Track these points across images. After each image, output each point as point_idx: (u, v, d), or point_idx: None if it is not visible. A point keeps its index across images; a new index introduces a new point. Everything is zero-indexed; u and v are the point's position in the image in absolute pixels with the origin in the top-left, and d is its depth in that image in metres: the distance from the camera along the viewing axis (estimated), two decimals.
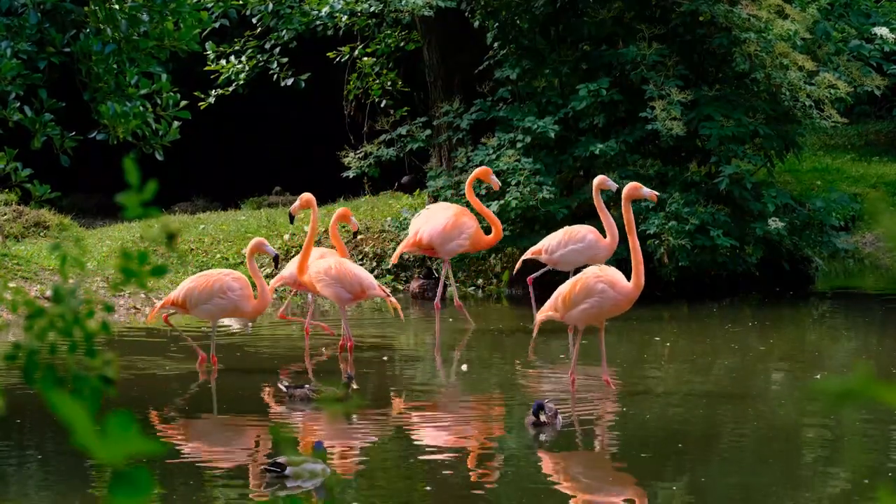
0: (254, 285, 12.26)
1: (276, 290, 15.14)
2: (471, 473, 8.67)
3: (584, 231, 14.26)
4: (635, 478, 8.59)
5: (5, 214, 19.57)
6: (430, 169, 17.86)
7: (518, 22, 17.14)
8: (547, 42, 17.09)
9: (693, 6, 16.27)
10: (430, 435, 9.93)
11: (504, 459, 9.10)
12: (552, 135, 16.26)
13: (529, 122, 16.38)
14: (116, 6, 9.24)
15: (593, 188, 13.16)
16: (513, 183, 16.27)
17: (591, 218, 16.49)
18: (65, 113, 9.58)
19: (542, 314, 11.07)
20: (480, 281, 17.55)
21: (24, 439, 9.77)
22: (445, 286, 15.13)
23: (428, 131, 17.80)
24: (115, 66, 9.15)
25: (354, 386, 10.71)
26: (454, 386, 11.97)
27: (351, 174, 17.92)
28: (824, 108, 16.47)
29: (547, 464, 8.99)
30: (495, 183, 14.81)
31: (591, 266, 11.13)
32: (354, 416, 10.30)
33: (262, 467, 8.50)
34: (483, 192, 16.49)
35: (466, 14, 17.33)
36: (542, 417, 9.47)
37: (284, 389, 10.72)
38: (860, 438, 9.65)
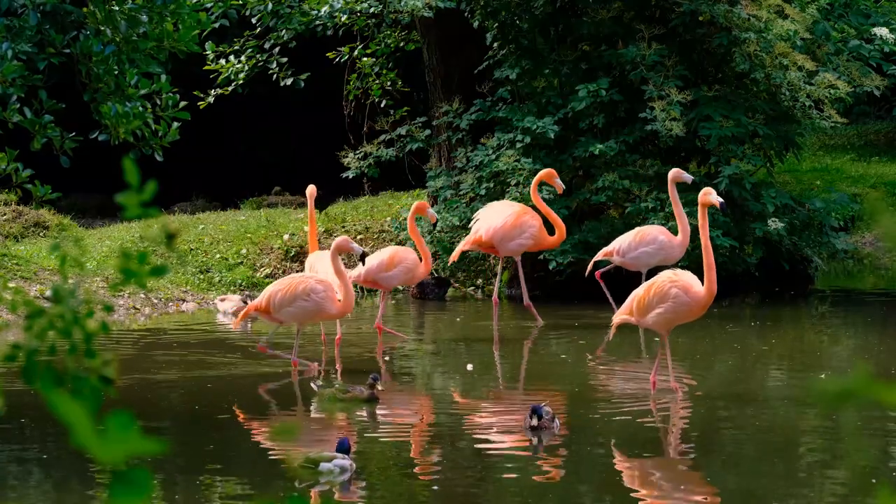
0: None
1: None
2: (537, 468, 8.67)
3: (655, 232, 14.22)
4: (635, 478, 8.59)
5: (5, 214, 19.58)
6: (430, 169, 17.86)
7: (518, 22, 17.14)
8: (547, 42, 17.10)
9: (693, 6, 16.27)
10: (496, 428, 9.94)
11: (570, 455, 9.10)
12: (552, 135, 16.27)
13: (529, 123, 16.38)
14: (116, 7, 9.24)
15: (669, 181, 13.15)
16: (512, 183, 16.27)
17: (590, 218, 16.51)
18: (65, 114, 9.59)
19: (618, 317, 10.91)
20: (480, 281, 17.56)
21: (25, 439, 9.77)
22: (514, 284, 15.15)
23: (427, 131, 17.80)
24: (115, 66, 9.15)
25: (380, 387, 10.62)
26: (531, 382, 11.93)
27: (350, 174, 17.91)
28: (824, 108, 16.48)
29: (619, 465, 9.00)
30: (559, 186, 14.73)
31: (667, 270, 10.94)
32: (362, 411, 10.30)
33: (298, 464, 8.56)
34: (472, 194, 16.47)
35: (466, 14, 17.33)
36: (534, 421, 9.42)
37: (316, 389, 10.69)
38: (860, 438, 9.66)
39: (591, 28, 16.64)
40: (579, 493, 8.32)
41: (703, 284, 10.56)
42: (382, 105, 19.37)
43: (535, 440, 9.40)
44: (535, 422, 9.47)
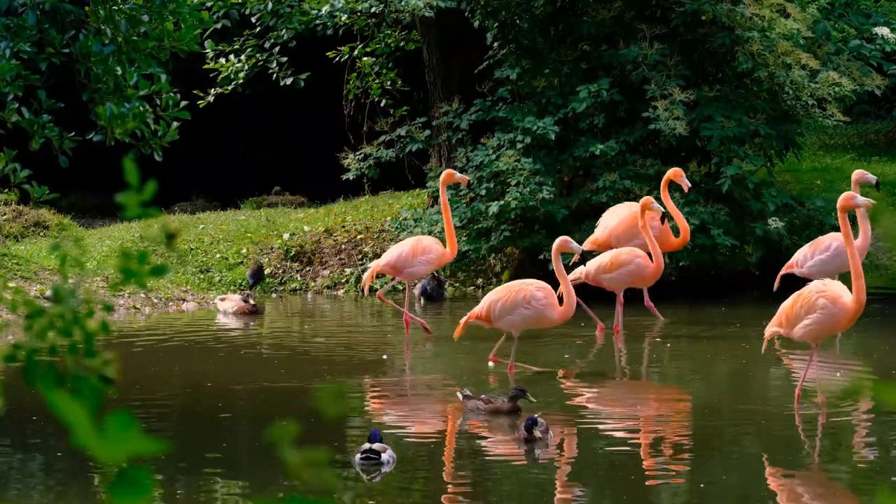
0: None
1: (374, 277, 14.90)
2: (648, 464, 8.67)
3: (829, 240, 14.14)
4: (636, 478, 8.59)
5: (5, 214, 19.57)
6: (430, 169, 17.84)
7: (518, 22, 17.14)
8: (547, 42, 17.09)
9: (695, 6, 16.26)
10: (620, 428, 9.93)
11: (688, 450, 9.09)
12: (552, 136, 16.25)
13: (529, 123, 16.36)
14: (116, 7, 9.23)
15: (853, 182, 13.04)
16: (512, 183, 16.26)
17: (590, 218, 16.51)
18: (64, 113, 9.58)
19: (769, 329, 10.70)
20: (480, 280, 17.55)
21: (25, 439, 9.76)
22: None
23: (427, 132, 17.78)
24: (115, 67, 9.14)
25: (532, 399, 10.26)
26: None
27: (350, 176, 17.88)
28: (827, 107, 16.47)
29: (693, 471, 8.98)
30: (686, 184, 14.51)
31: (815, 280, 10.72)
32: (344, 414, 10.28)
33: (359, 455, 8.65)
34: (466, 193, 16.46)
35: (466, 14, 17.32)
36: (537, 433, 9.24)
37: (462, 398, 10.40)
38: (860, 438, 9.65)
39: (592, 28, 16.63)
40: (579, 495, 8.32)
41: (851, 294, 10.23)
42: (382, 105, 19.36)
43: (528, 452, 9.25)
44: (537, 433, 9.25)
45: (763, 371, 12.39)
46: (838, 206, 10.60)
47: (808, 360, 10.65)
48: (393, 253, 14.22)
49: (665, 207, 14.24)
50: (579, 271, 13.82)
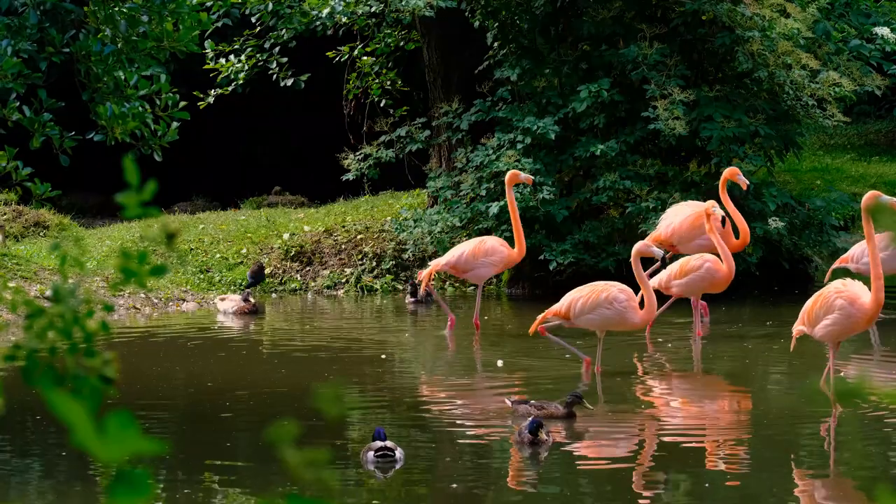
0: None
1: (432, 276, 14.79)
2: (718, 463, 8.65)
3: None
4: (635, 479, 8.59)
5: (5, 214, 19.57)
6: (430, 170, 17.84)
7: (518, 22, 17.13)
8: (547, 42, 17.08)
9: (695, 5, 16.26)
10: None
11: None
12: (552, 136, 16.25)
13: (529, 123, 16.36)
14: (116, 7, 9.23)
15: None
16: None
17: (590, 218, 16.50)
18: (64, 112, 9.58)
19: (796, 328, 10.65)
20: None
21: (25, 439, 9.76)
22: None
23: (427, 132, 17.78)
24: (116, 66, 9.15)
25: (589, 406, 10.09)
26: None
27: (350, 177, 17.86)
28: (827, 107, 16.47)
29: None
30: (743, 182, 14.40)
31: (835, 281, 10.61)
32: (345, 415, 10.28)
33: (372, 454, 8.65)
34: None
35: (466, 14, 17.32)
36: (542, 435, 9.10)
37: (510, 404, 10.20)
38: (860, 438, 9.65)
39: (592, 28, 16.63)
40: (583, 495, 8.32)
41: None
42: (382, 105, 19.36)
43: (532, 455, 9.18)
44: (543, 435, 9.13)
45: (763, 371, 12.39)
46: (862, 205, 10.58)
47: (827, 362, 10.57)
48: (454, 253, 14.27)
49: (725, 209, 14.13)
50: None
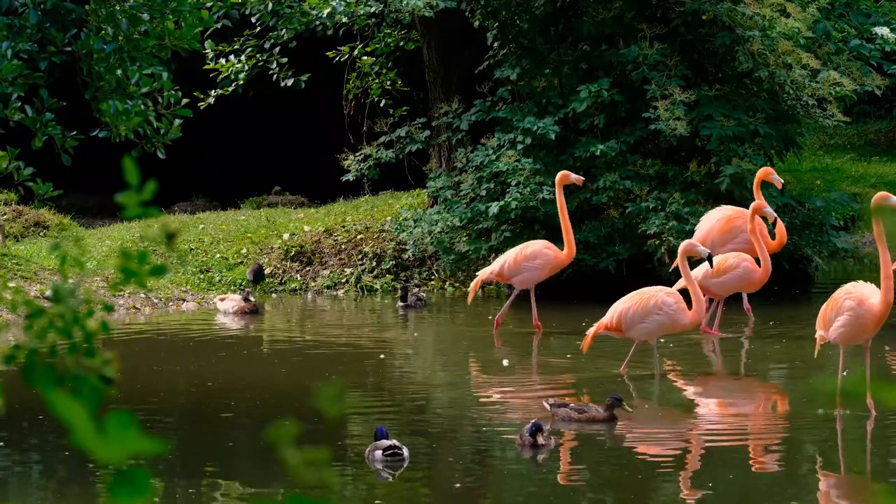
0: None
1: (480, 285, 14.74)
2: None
3: None
4: (639, 479, 8.59)
5: (5, 214, 19.57)
6: (430, 170, 17.84)
7: (518, 22, 17.13)
8: (547, 42, 17.08)
9: (696, 5, 16.25)
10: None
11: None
12: (552, 136, 16.25)
13: (529, 123, 16.35)
14: (117, 6, 9.24)
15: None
16: (513, 183, 16.24)
17: (590, 218, 16.49)
18: (66, 112, 9.58)
19: (817, 334, 10.51)
20: None
21: (25, 439, 9.76)
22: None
23: (427, 132, 17.77)
24: (117, 65, 9.15)
25: (628, 408, 9.98)
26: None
27: (350, 177, 17.83)
28: (827, 106, 16.47)
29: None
30: (778, 181, 14.39)
31: (847, 284, 10.51)
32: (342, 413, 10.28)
33: (379, 452, 8.64)
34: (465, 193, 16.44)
35: (466, 14, 17.31)
36: (541, 439, 9.06)
37: (549, 408, 10.08)
38: (860, 438, 9.65)
39: (592, 28, 16.62)
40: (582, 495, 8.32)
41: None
42: (382, 105, 19.35)
43: (532, 458, 9.12)
44: (541, 440, 9.08)
45: (763, 371, 12.39)
46: (872, 206, 10.57)
47: (839, 363, 10.51)
48: (499, 261, 14.28)
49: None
50: (702, 271, 13.51)
